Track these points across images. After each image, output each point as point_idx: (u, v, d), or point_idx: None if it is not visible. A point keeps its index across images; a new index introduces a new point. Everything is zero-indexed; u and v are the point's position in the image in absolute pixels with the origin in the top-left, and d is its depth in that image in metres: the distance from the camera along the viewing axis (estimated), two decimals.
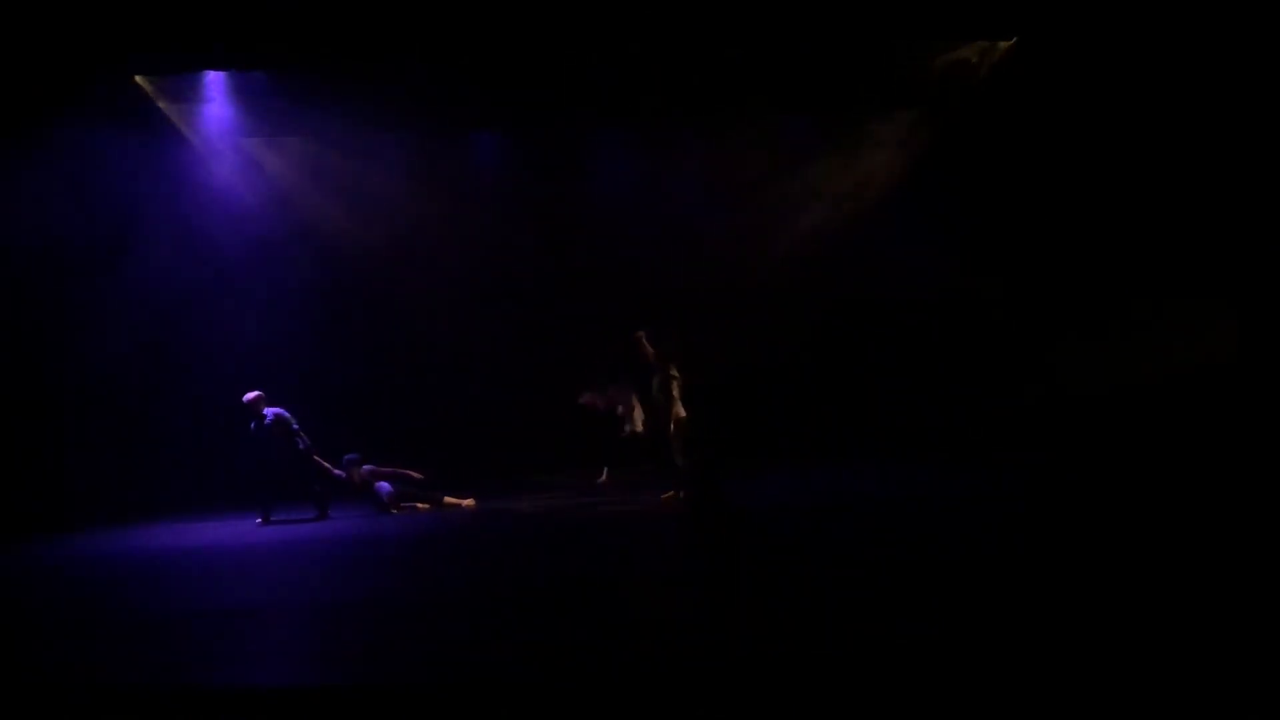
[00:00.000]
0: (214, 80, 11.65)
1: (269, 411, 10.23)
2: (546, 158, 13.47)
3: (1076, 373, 12.12)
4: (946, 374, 12.82)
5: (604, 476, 11.39)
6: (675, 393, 10.17)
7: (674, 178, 13.44)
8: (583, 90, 11.70)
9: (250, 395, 10.25)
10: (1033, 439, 11.92)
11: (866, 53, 11.39)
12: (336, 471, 10.63)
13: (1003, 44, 11.55)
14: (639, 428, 11.01)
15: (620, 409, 11.12)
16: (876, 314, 13.07)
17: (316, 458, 10.44)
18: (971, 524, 7.35)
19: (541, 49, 10.67)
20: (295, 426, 10.33)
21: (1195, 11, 10.16)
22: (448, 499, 10.59)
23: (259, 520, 10.13)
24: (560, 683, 3.91)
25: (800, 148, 13.34)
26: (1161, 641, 4.00)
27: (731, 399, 12.68)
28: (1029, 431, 12.05)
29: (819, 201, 13.46)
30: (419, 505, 10.57)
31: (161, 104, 11.76)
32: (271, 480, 10.24)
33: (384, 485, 10.55)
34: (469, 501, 10.60)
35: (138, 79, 11.23)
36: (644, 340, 10.53)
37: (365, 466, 10.65)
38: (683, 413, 10.15)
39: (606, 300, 12.81)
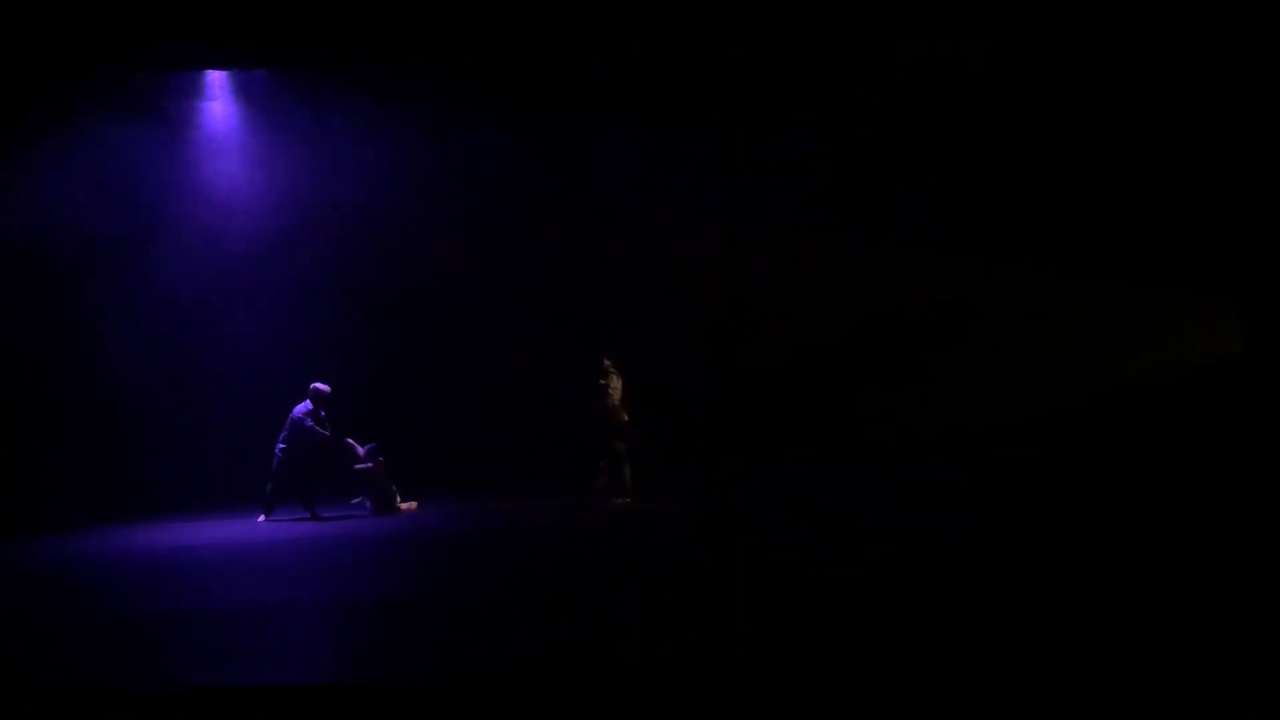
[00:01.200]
0: (217, 78, 11.64)
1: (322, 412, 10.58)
2: (546, 157, 13.43)
3: (1075, 372, 12.11)
4: (946, 374, 12.80)
5: (604, 477, 11.37)
6: (609, 396, 10.49)
7: (673, 177, 13.41)
8: (583, 90, 11.72)
9: (326, 386, 10.58)
10: (1033, 439, 11.90)
11: (866, 53, 11.39)
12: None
13: (1002, 44, 11.53)
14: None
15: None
16: (876, 314, 13.04)
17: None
18: (971, 524, 7.36)
19: (541, 49, 10.67)
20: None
21: (1196, 10, 10.16)
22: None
23: (261, 517, 10.18)
24: (560, 683, 3.91)
25: (800, 148, 13.31)
26: (1161, 641, 4.00)
27: (731, 399, 12.71)
28: (1029, 431, 12.03)
29: (818, 201, 13.43)
30: (402, 507, 10.73)
31: (164, 102, 11.74)
32: (307, 472, 10.39)
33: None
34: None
35: (139, 77, 11.21)
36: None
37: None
38: (614, 417, 10.49)
39: (606, 299, 12.78)
